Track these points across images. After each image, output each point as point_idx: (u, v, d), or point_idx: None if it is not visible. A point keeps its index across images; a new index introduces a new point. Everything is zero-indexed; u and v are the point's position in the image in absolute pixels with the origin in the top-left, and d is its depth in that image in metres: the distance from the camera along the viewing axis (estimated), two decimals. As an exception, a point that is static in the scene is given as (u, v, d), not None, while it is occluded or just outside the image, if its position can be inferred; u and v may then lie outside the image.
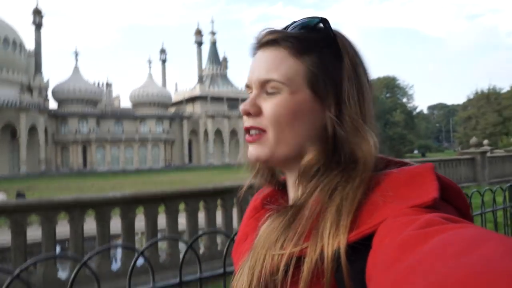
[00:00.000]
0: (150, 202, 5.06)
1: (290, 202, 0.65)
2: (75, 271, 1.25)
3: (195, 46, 72.99)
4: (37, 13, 56.54)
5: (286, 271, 0.53)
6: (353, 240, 0.50)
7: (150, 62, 74.26)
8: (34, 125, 48.33)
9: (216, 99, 68.11)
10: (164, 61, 78.76)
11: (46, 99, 54.99)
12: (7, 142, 47.22)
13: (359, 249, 0.49)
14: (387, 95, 62.04)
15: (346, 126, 0.59)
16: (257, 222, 0.68)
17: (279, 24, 0.66)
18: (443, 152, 61.41)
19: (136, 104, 66.46)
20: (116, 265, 4.92)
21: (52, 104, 58.76)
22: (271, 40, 0.62)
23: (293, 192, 0.65)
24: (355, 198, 0.53)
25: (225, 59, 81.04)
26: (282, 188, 0.73)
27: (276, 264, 0.54)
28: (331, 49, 0.61)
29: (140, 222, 5.13)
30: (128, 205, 4.87)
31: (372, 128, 0.60)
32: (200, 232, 5.67)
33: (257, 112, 0.62)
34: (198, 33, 73.88)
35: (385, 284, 0.38)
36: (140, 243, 6.86)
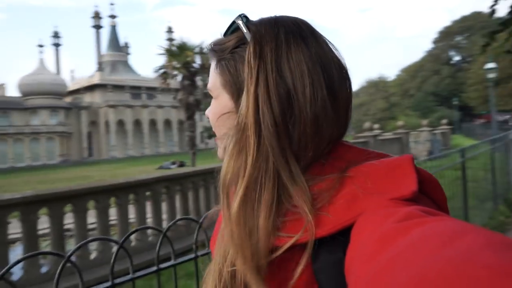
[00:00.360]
0: (55, 201, 4.67)
1: None
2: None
3: (93, 31, 68.37)
4: None
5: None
6: (331, 232, 0.49)
7: (41, 46, 67.68)
8: None
9: (118, 87, 64.46)
10: (57, 46, 72.45)
11: None
12: None
13: (338, 239, 0.49)
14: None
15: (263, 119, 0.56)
16: None
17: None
18: (340, 137, 65.93)
19: (25, 93, 59.73)
20: (18, 274, 4.47)
21: None
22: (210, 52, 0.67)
23: None
24: (328, 188, 0.53)
25: (126, 45, 77.16)
26: None
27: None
28: (243, 46, 0.61)
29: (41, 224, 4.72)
30: (29, 206, 4.43)
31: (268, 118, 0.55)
32: (111, 230, 5.41)
33: None
34: (96, 16, 69.14)
35: (365, 277, 0.37)
36: (43, 246, 6.31)
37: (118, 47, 73.80)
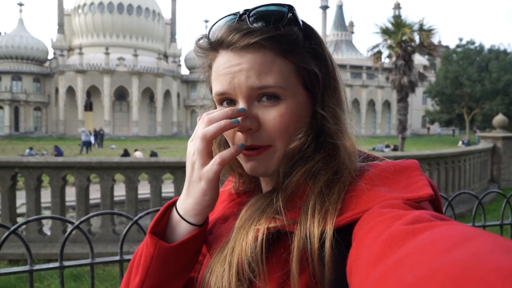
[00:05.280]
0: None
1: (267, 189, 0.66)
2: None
3: (320, 12, 70.84)
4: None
5: (267, 248, 0.53)
6: (340, 225, 0.50)
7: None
8: (168, 90, 52.38)
9: (339, 66, 64.97)
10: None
11: (179, 66, 58.96)
12: (146, 104, 52.15)
13: (341, 234, 0.50)
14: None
15: (328, 116, 0.60)
16: (239, 206, 0.68)
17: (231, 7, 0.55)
18: None
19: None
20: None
21: (184, 71, 62.05)
22: (251, 43, 0.57)
23: (270, 181, 0.65)
24: (345, 183, 0.54)
25: (351, 24, 77.25)
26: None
27: (254, 239, 0.54)
28: (305, 41, 0.60)
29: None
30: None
31: (348, 115, 0.64)
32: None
33: (257, 127, 0.59)
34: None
35: (371, 278, 0.36)
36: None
37: (343, 26, 74.74)
